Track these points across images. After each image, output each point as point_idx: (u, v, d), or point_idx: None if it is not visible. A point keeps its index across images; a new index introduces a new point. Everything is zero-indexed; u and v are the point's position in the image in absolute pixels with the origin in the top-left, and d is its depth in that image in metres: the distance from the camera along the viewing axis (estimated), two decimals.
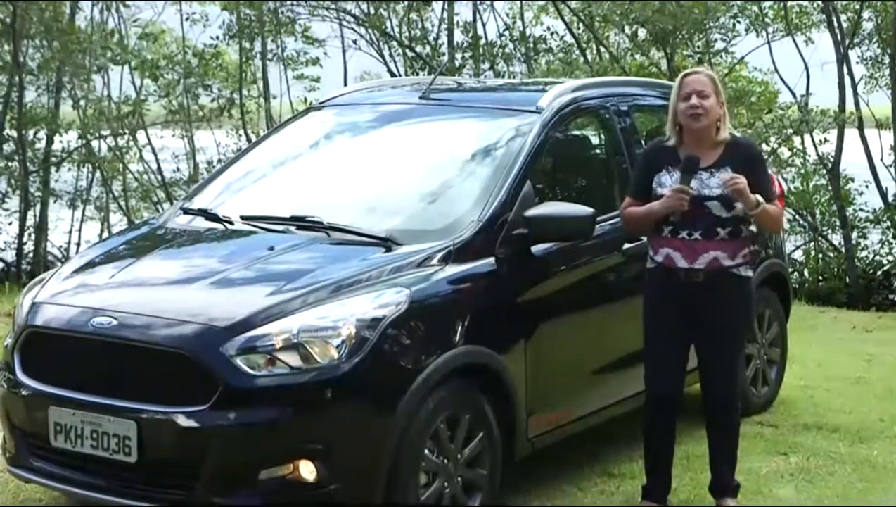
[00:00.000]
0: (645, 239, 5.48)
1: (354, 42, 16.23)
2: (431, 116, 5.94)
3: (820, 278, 14.44)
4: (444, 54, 15.80)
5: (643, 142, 6.12)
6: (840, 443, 6.20)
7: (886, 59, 14.51)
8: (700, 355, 4.97)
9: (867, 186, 14.60)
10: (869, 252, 14.53)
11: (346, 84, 15.34)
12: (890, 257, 14.41)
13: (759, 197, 4.74)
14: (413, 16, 15.99)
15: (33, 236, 15.17)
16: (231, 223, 5.24)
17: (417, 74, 15.02)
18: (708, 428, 5.07)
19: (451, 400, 4.60)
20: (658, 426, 5.02)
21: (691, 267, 4.81)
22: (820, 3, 14.36)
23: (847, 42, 14.13)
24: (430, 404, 4.47)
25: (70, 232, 15.82)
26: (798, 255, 15.02)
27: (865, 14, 14.28)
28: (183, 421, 4.24)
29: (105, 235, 15.15)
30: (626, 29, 15.42)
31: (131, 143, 15.71)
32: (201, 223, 5.37)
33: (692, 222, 4.79)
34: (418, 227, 5.00)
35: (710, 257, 4.79)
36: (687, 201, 4.75)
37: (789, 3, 14.69)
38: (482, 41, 15.97)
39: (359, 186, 5.48)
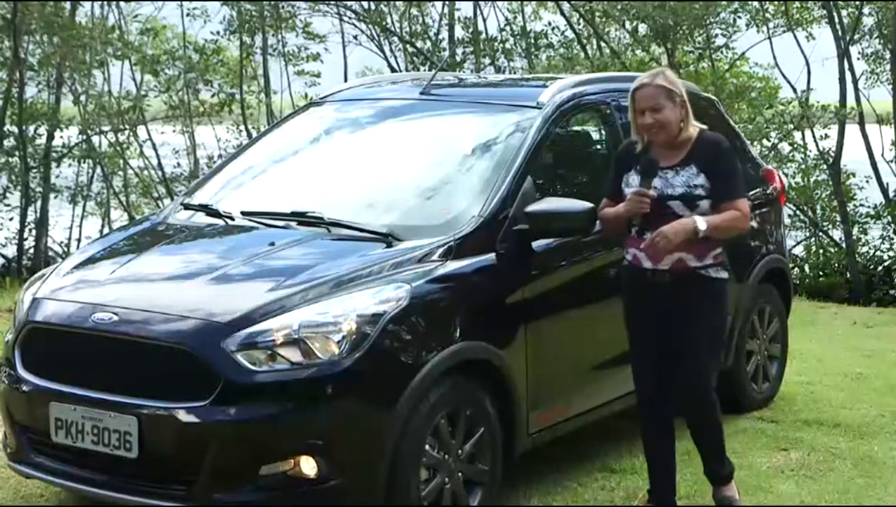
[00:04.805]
0: None
1: (355, 37, 16.24)
2: (432, 111, 5.93)
3: (820, 273, 14.44)
4: (444, 50, 15.81)
5: None
6: (840, 439, 6.21)
7: (887, 55, 14.50)
8: (670, 355, 4.84)
9: (868, 182, 14.60)
10: (869, 248, 14.53)
11: (346, 80, 15.34)
12: (891, 253, 14.40)
13: (697, 222, 4.61)
14: (414, 11, 15.98)
15: (34, 232, 15.17)
16: (232, 219, 5.24)
17: (418, 70, 15.01)
18: (688, 425, 4.99)
19: (452, 396, 4.60)
20: (651, 427, 4.97)
21: (656, 268, 4.75)
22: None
23: (848, 37, 14.11)
24: (430, 399, 4.47)
25: (71, 228, 15.82)
26: (799, 250, 15.02)
27: (866, 10, 14.26)
28: (184, 417, 4.24)
29: (106, 230, 15.15)
30: (627, 24, 15.41)
31: (132, 138, 15.72)
32: (202, 219, 5.37)
33: (656, 223, 4.70)
34: (419, 222, 4.99)
35: (674, 257, 4.71)
36: (647, 204, 4.69)
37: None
38: (483, 36, 15.97)
39: (359, 182, 5.49)
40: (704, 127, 4.88)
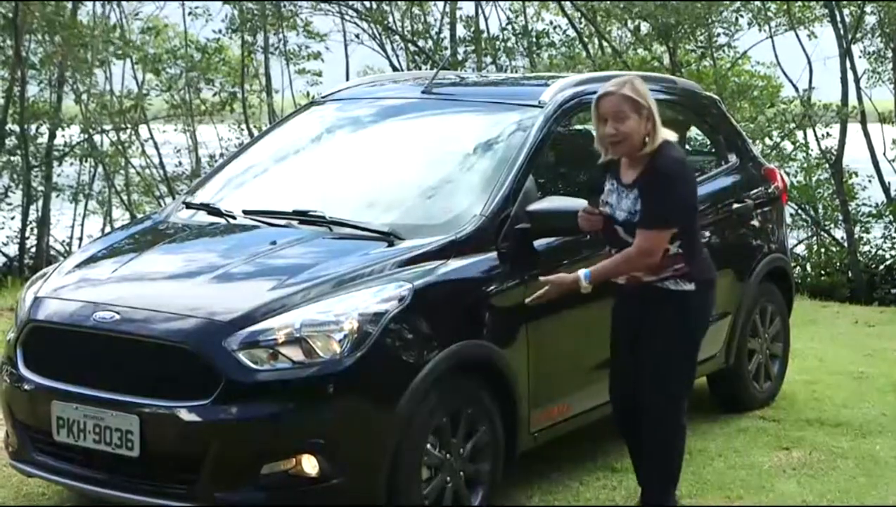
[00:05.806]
0: None
1: (357, 36, 16.25)
2: (434, 110, 5.93)
3: (822, 272, 14.42)
4: (446, 48, 15.80)
5: None
6: (842, 438, 6.20)
7: (889, 54, 14.50)
8: (639, 365, 4.78)
9: (870, 181, 14.60)
10: (871, 247, 14.53)
11: (347, 79, 15.33)
12: (892, 252, 14.40)
13: (580, 278, 4.54)
14: (415, 10, 15.99)
15: (35, 231, 15.18)
16: (233, 218, 5.24)
17: (420, 69, 15.01)
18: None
19: (453, 395, 4.60)
20: (625, 434, 4.92)
21: (614, 280, 4.73)
22: None
23: (850, 36, 14.10)
24: (432, 398, 4.47)
25: (72, 227, 15.83)
26: (801, 249, 15.01)
27: (868, 8, 14.25)
28: (185, 415, 4.24)
29: (107, 229, 15.15)
30: (629, 23, 15.40)
31: (133, 137, 15.73)
32: (204, 218, 5.37)
33: (610, 239, 4.72)
34: (421, 221, 4.99)
35: None
36: (597, 221, 4.72)
37: None
38: (484, 35, 15.96)
39: (361, 181, 5.49)
40: (673, 141, 4.65)
